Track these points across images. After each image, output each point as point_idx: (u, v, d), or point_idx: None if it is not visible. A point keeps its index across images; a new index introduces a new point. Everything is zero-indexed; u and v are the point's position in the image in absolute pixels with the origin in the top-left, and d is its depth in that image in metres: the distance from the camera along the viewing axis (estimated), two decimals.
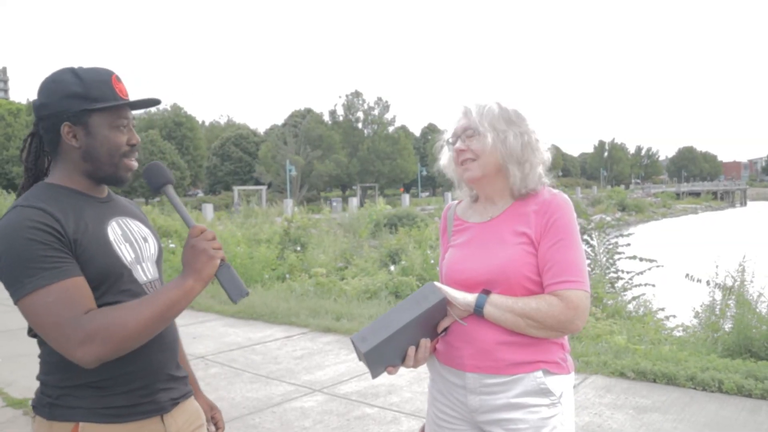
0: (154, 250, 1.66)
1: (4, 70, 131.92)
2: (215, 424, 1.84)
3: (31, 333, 1.51)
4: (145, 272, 1.58)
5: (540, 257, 1.66)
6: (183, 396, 1.65)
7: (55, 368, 1.46)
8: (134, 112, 1.61)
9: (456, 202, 1.95)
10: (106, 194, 1.62)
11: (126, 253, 1.54)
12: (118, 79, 1.53)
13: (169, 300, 1.40)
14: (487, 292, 1.66)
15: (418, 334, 1.66)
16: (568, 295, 1.61)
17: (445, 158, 1.84)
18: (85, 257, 1.43)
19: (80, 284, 1.39)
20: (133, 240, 1.59)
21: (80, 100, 1.48)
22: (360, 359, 1.62)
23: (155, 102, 1.59)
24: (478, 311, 1.65)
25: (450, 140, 1.80)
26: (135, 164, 1.58)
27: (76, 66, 1.53)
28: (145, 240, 1.64)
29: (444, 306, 1.66)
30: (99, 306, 1.41)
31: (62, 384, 1.46)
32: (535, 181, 1.73)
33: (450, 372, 1.75)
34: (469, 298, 1.66)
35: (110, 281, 1.47)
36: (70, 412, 1.45)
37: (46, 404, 1.48)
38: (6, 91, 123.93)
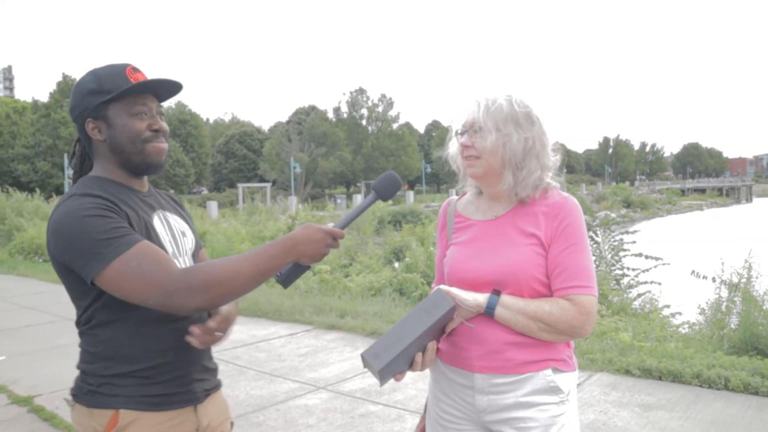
0: (192, 245, 1.71)
1: (10, 68, 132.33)
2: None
3: (82, 323, 1.53)
4: (182, 266, 1.58)
5: (550, 261, 1.64)
6: (214, 387, 1.69)
7: (97, 358, 1.51)
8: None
9: (456, 197, 1.91)
10: (147, 189, 1.67)
11: (168, 246, 1.58)
12: (134, 69, 1.57)
13: (267, 268, 1.42)
14: (497, 293, 1.63)
15: (427, 340, 1.64)
16: (580, 300, 1.60)
17: (453, 149, 1.80)
18: None
19: (152, 245, 1.44)
20: (173, 234, 1.64)
21: (96, 95, 1.53)
22: (365, 366, 1.59)
23: (175, 85, 1.60)
24: (489, 312, 1.63)
25: (458, 132, 1.75)
26: (164, 145, 1.60)
27: (98, 66, 1.59)
28: (184, 234, 1.69)
29: (453, 311, 1.63)
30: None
31: (104, 373, 1.50)
32: (529, 188, 1.68)
33: (456, 372, 1.72)
34: (479, 299, 1.63)
35: None
36: (111, 399, 1.49)
37: (87, 392, 1.52)
38: (11, 89, 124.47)
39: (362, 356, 1.57)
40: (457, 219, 1.83)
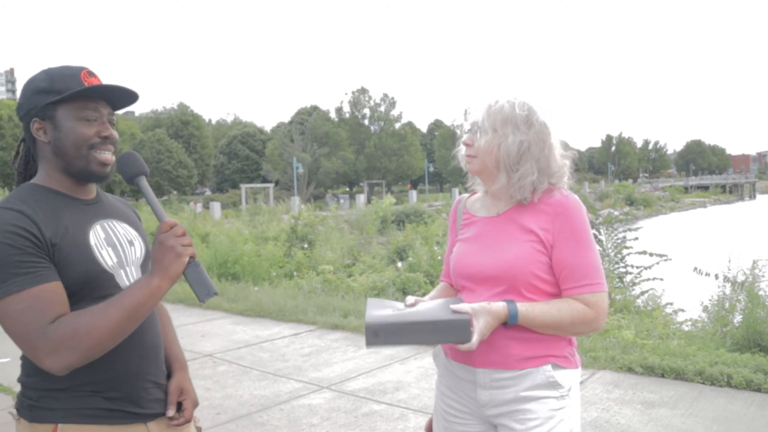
0: (140, 254, 1.62)
1: (12, 71, 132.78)
2: (181, 412, 1.66)
3: None
4: (128, 277, 1.55)
5: (556, 261, 1.66)
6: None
7: (35, 371, 1.44)
8: (138, 112, 1.57)
9: (467, 195, 1.94)
10: (93, 195, 1.60)
11: (107, 258, 1.51)
12: (89, 73, 1.51)
13: (136, 301, 1.37)
14: (511, 304, 1.62)
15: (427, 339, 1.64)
16: (593, 300, 1.63)
17: (461, 147, 1.82)
18: (63, 262, 1.41)
19: (53, 290, 1.37)
20: (116, 244, 1.56)
21: (45, 94, 1.47)
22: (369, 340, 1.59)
23: (131, 95, 1.54)
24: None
25: (466, 130, 1.78)
26: (108, 157, 1.53)
27: (53, 65, 1.53)
28: (131, 243, 1.60)
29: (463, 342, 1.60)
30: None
31: (42, 386, 1.46)
32: (526, 191, 1.69)
33: (459, 367, 1.76)
34: (500, 314, 1.61)
35: (90, 287, 1.45)
36: (50, 413, 1.45)
37: (27, 406, 1.48)
38: (13, 92, 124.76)
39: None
40: (465, 216, 1.87)
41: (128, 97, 1.55)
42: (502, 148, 1.68)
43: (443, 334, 1.59)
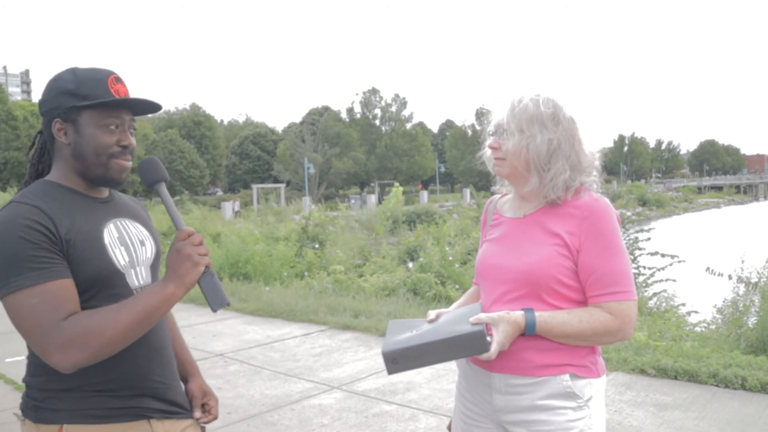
0: (151, 254, 1.63)
1: (27, 72, 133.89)
2: (208, 411, 1.72)
3: None
4: (138, 277, 1.55)
5: (582, 266, 1.61)
6: (175, 415, 1.60)
7: (40, 371, 1.44)
8: (150, 115, 1.57)
9: (498, 195, 1.91)
10: (106, 194, 1.61)
11: (120, 257, 1.51)
12: (117, 79, 1.52)
13: (149, 306, 1.38)
14: (529, 313, 1.59)
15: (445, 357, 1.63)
16: (619, 308, 1.58)
17: (488, 150, 1.78)
18: (77, 259, 1.42)
19: (66, 287, 1.38)
20: (129, 243, 1.56)
21: (71, 97, 1.47)
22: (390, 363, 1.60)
23: (154, 106, 1.55)
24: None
25: (490, 133, 1.74)
26: (128, 164, 1.55)
27: (80, 66, 1.54)
28: (142, 243, 1.61)
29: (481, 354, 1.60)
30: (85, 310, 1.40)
31: (46, 387, 1.46)
32: (559, 189, 1.64)
33: (476, 370, 1.73)
34: (519, 323, 1.58)
35: (101, 285, 1.46)
36: (55, 414, 1.45)
37: (32, 407, 1.48)
38: (29, 93, 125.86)
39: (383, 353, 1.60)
40: (494, 216, 1.85)
41: (150, 106, 1.56)
42: (530, 149, 1.63)
43: (461, 349, 1.57)
